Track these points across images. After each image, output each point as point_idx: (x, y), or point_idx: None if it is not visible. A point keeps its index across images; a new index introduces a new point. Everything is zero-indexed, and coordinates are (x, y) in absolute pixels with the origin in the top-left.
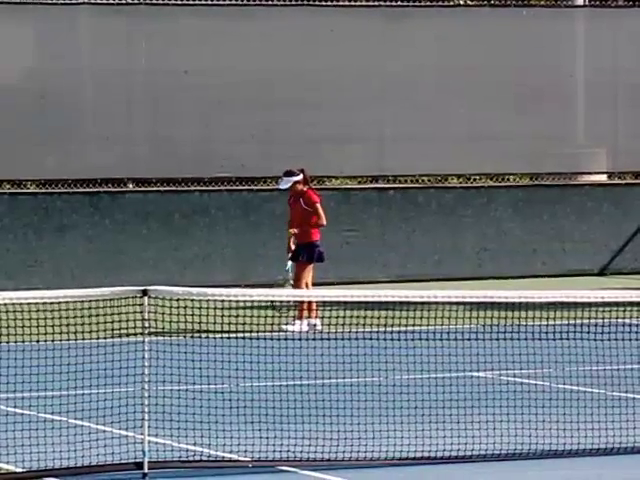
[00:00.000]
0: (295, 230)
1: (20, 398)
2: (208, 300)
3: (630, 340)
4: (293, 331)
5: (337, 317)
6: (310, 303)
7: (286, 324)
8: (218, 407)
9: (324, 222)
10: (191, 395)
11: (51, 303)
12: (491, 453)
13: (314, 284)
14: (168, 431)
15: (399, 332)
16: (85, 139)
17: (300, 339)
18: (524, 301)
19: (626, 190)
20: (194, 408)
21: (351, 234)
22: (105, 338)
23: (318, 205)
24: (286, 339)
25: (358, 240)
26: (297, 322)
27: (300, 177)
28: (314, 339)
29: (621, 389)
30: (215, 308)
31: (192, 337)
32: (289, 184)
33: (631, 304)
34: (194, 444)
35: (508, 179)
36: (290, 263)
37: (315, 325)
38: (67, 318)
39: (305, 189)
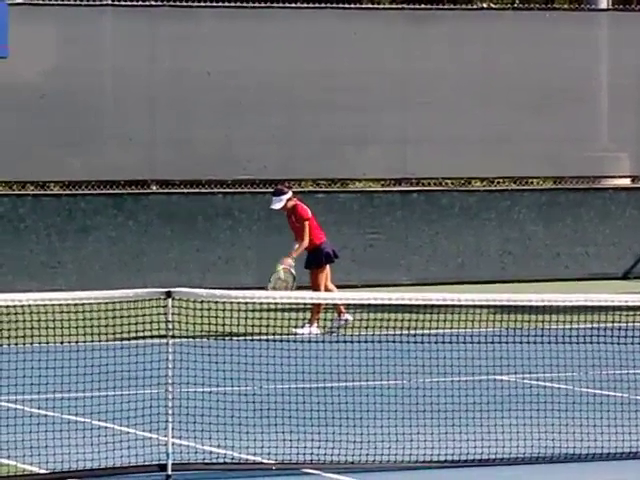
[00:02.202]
0: (290, 262)
1: (44, 399)
2: (232, 302)
3: None
4: (302, 334)
5: (360, 320)
6: (338, 305)
7: (295, 327)
8: (242, 409)
9: (306, 243)
10: (215, 397)
11: (75, 304)
12: (514, 457)
13: (337, 286)
14: (192, 433)
15: (422, 335)
16: (108, 140)
17: (324, 342)
18: (547, 304)
19: None
20: (218, 410)
21: (374, 237)
22: (129, 340)
23: (307, 223)
24: (309, 342)
25: (381, 243)
26: (307, 325)
27: (290, 194)
28: (337, 341)
29: None
30: (239, 310)
31: (216, 339)
32: (282, 203)
33: None
34: (218, 446)
35: (531, 182)
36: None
37: (350, 320)
38: (91, 319)
39: (295, 204)
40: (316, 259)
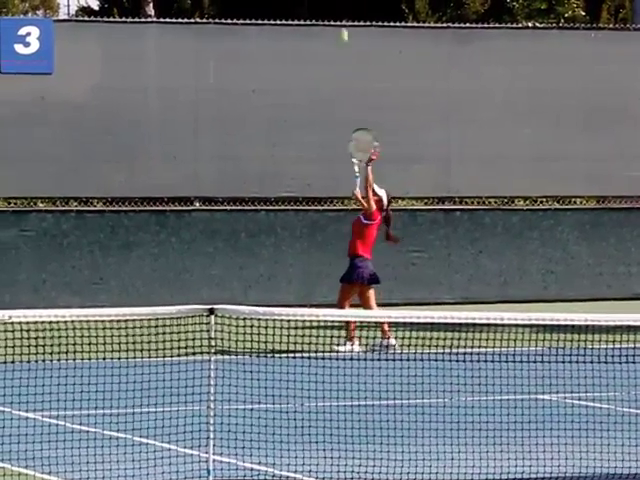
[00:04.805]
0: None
1: (86, 415)
2: (274, 319)
3: None
4: (344, 351)
5: (402, 338)
6: (382, 324)
7: (337, 344)
8: (283, 426)
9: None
10: (256, 414)
11: (117, 321)
12: (556, 476)
13: (380, 305)
14: (233, 450)
15: (464, 354)
16: (152, 157)
17: (366, 359)
18: (590, 324)
19: None
20: (259, 427)
21: (417, 255)
22: (171, 356)
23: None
24: (351, 359)
25: (424, 261)
26: (348, 343)
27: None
28: (379, 359)
29: None
30: (281, 328)
31: (258, 356)
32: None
33: None
34: (259, 463)
35: (574, 202)
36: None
37: (394, 345)
38: (133, 336)
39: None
40: (349, 273)
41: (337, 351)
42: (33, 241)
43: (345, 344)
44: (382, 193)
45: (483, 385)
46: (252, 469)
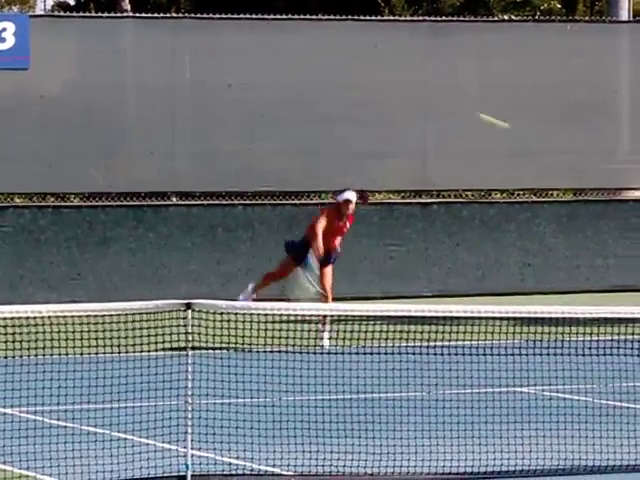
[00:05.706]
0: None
1: (63, 411)
2: (252, 314)
3: None
4: (329, 345)
5: (380, 332)
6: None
7: (321, 339)
8: (261, 421)
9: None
10: (234, 409)
11: (94, 316)
12: (534, 469)
13: (358, 298)
14: (211, 444)
15: (442, 347)
16: (129, 153)
17: (343, 353)
18: (567, 317)
19: None
20: (237, 422)
21: (394, 248)
22: (149, 351)
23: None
24: (329, 353)
25: (401, 255)
26: (325, 332)
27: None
28: (357, 353)
29: None
30: (259, 322)
31: (235, 351)
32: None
33: None
34: (237, 458)
35: (552, 194)
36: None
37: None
38: (110, 331)
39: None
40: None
41: (322, 346)
42: (10, 237)
43: (323, 332)
44: (352, 196)
45: (461, 378)
46: (230, 463)
